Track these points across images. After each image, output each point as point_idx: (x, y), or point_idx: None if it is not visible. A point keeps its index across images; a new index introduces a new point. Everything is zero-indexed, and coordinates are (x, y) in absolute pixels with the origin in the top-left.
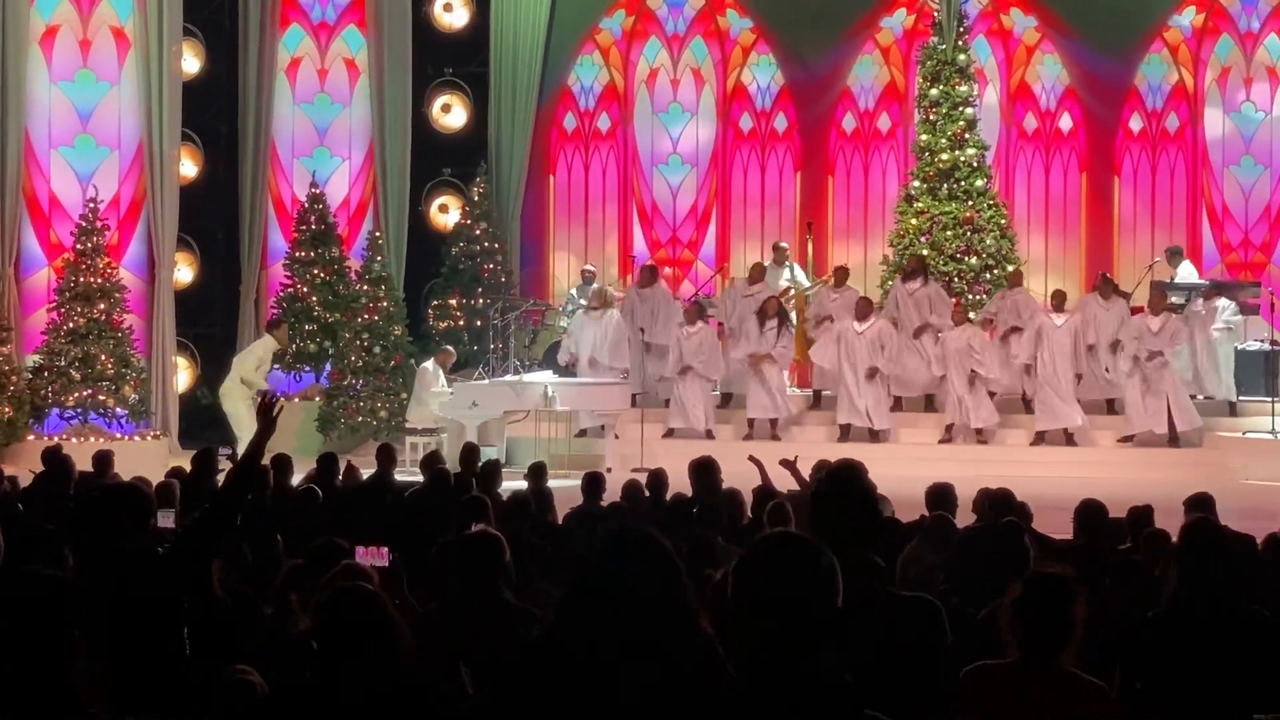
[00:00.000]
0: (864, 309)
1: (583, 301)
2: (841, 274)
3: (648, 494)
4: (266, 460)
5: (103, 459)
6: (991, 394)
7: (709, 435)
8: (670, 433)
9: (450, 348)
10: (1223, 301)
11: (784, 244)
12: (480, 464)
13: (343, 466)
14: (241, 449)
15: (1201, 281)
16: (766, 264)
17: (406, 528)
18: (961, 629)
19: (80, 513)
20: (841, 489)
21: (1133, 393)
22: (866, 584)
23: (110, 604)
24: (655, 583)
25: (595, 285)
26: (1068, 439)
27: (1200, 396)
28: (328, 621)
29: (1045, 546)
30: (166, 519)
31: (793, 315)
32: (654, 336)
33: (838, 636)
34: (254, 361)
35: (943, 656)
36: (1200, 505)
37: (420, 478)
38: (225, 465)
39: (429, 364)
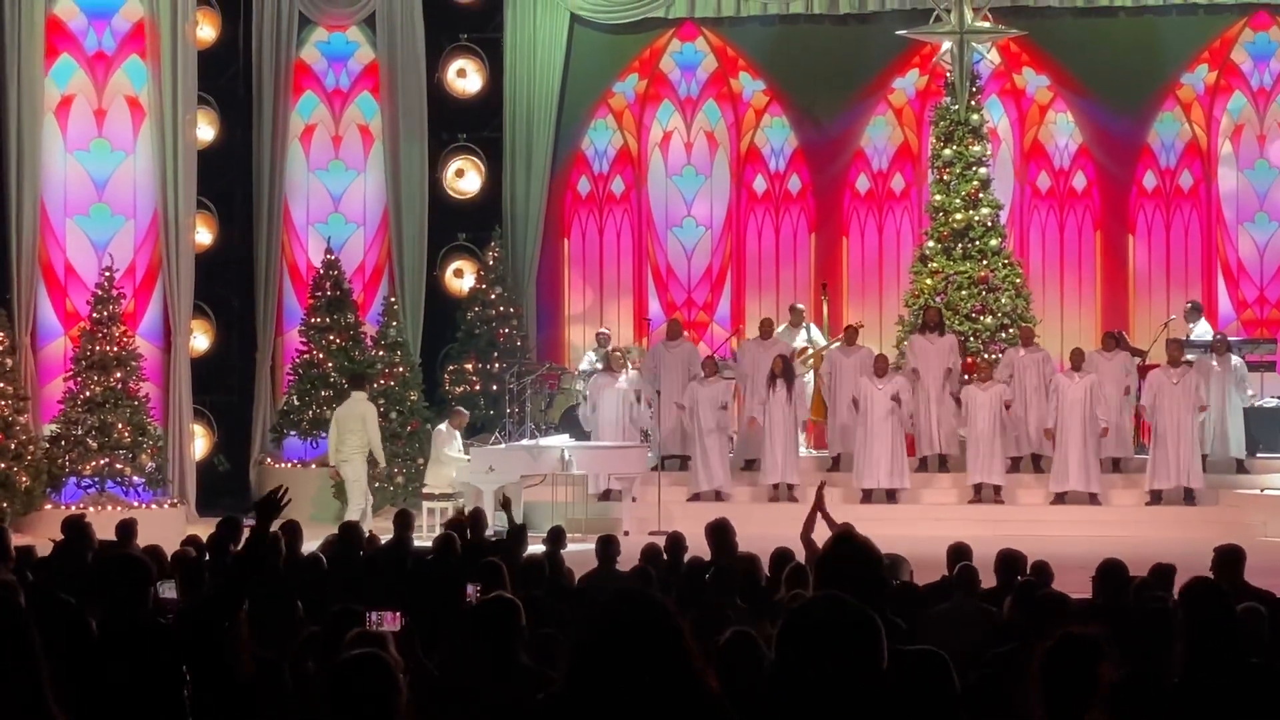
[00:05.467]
0: (881, 366)
1: (599, 365)
2: (852, 333)
3: (666, 557)
4: (277, 526)
5: (126, 528)
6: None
7: (718, 496)
8: (696, 496)
9: (462, 408)
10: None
11: (800, 305)
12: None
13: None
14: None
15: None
16: (781, 327)
17: (424, 592)
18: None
19: (91, 582)
20: (840, 555)
21: (1154, 450)
22: None
23: (110, 674)
24: (656, 644)
25: (609, 348)
26: (1090, 497)
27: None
28: (337, 690)
29: (1065, 607)
30: (169, 589)
31: (810, 377)
32: (675, 393)
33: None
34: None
35: (952, 709)
36: (1227, 557)
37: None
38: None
39: (442, 426)
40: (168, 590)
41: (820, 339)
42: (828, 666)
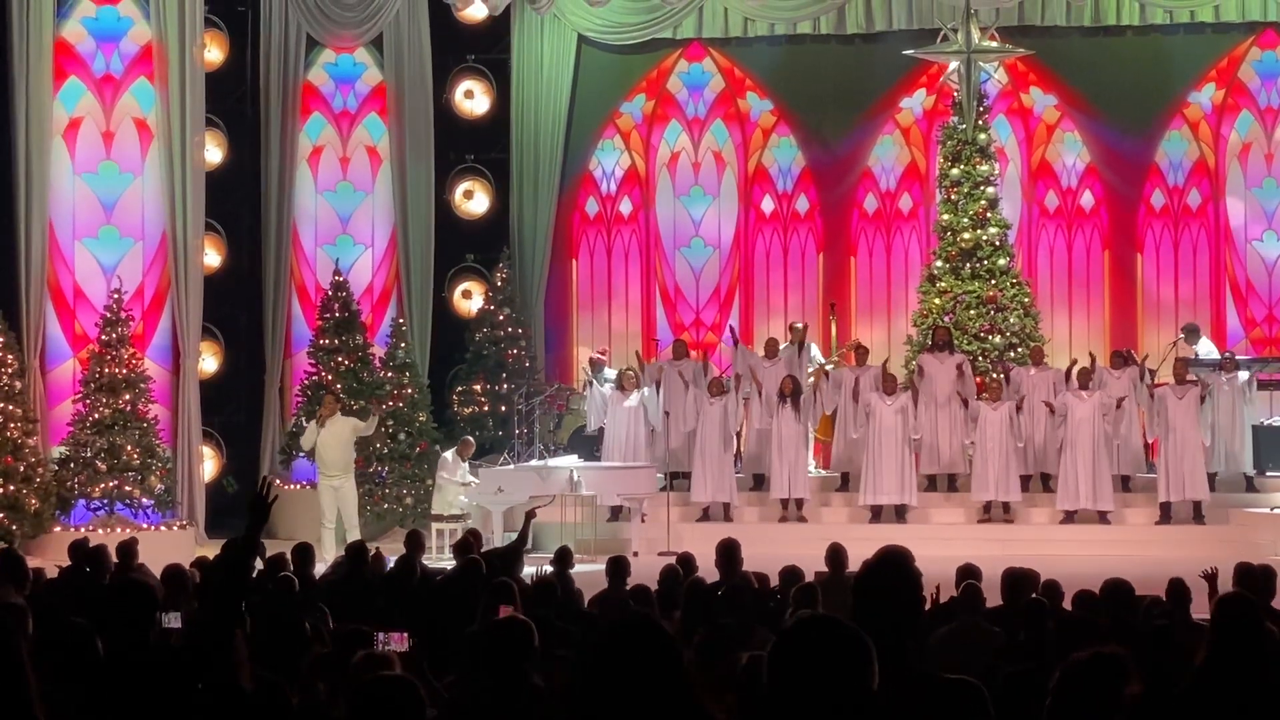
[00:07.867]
0: (890, 384)
1: (604, 389)
2: (862, 353)
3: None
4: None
5: (127, 548)
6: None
7: (727, 516)
8: (704, 515)
9: (470, 438)
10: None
11: (797, 324)
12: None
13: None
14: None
15: (1214, 357)
16: (783, 345)
17: (434, 613)
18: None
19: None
20: (890, 574)
21: (1161, 463)
22: (904, 666)
23: (119, 697)
24: (655, 671)
25: (609, 369)
26: (1099, 516)
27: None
28: (360, 712)
29: (1072, 625)
30: (173, 621)
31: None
32: (680, 409)
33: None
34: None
35: None
36: (1247, 576)
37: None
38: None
39: (449, 454)
40: (172, 621)
41: (819, 358)
42: (817, 687)
